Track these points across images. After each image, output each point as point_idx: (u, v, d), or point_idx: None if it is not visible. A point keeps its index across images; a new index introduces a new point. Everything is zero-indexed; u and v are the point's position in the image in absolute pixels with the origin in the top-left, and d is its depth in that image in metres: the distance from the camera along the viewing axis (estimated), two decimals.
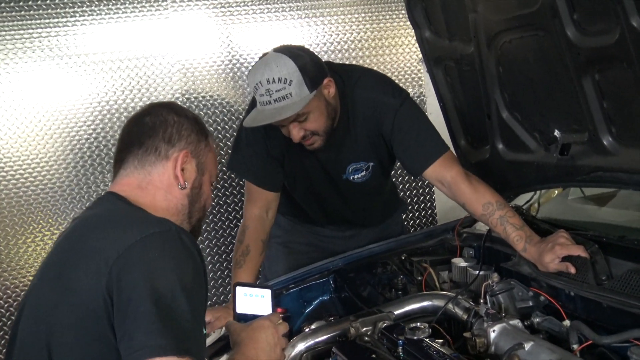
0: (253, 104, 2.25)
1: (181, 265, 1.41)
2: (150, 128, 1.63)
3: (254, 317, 1.71)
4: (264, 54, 2.17)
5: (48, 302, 1.45)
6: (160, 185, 1.61)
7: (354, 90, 2.32)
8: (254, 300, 1.75)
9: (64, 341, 1.40)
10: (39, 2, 3.19)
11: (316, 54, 2.27)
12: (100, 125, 3.36)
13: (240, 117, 3.27)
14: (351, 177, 2.47)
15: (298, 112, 2.12)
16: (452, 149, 2.45)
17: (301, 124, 2.19)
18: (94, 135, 3.35)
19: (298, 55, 2.12)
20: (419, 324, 1.80)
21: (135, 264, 1.37)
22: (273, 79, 2.07)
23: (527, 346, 1.66)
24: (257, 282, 2.74)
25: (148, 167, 1.61)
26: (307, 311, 2.45)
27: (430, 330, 1.79)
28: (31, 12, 3.19)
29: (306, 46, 2.32)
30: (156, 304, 1.32)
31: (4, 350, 1.61)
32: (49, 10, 3.21)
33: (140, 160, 1.62)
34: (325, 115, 2.23)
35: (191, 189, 1.66)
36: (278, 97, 2.08)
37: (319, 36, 3.67)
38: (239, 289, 1.76)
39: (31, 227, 3.30)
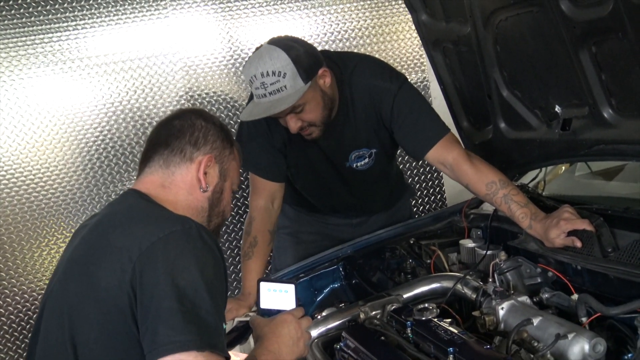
0: (252, 96, 2.26)
1: (202, 261, 1.44)
2: (178, 130, 1.69)
3: (278, 312, 1.72)
4: (258, 47, 2.18)
5: (72, 298, 1.49)
6: (182, 185, 1.66)
7: (352, 78, 2.32)
8: (277, 296, 1.76)
9: (89, 337, 1.44)
10: (39, 9, 3.22)
11: (316, 44, 2.26)
12: (107, 127, 3.38)
13: None
14: (354, 165, 2.47)
15: (293, 104, 2.12)
16: (455, 131, 2.45)
17: (298, 115, 2.19)
18: (101, 137, 3.38)
19: (291, 47, 2.12)
20: (426, 305, 1.82)
21: (158, 261, 1.41)
22: (267, 72, 2.08)
23: (536, 321, 1.67)
24: (271, 275, 2.76)
25: (172, 167, 1.66)
26: (318, 299, 2.47)
27: (438, 310, 1.80)
28: (32, 18, 3.21)
29: (307, 37, 2.31)
30: (179, 300, 1.36)
31: (27, 347, 1.64)
32: (50, 16, 3.23)
33: (165, 160, 1.67)
34: (322, 106, 2.23)
35: (212, 192, 1.70)
36: (273, 90, 2.09)
37: (319, 27, 3.65)
38: (262, 284, 1.77)
39: (44, 232, 3.33)
